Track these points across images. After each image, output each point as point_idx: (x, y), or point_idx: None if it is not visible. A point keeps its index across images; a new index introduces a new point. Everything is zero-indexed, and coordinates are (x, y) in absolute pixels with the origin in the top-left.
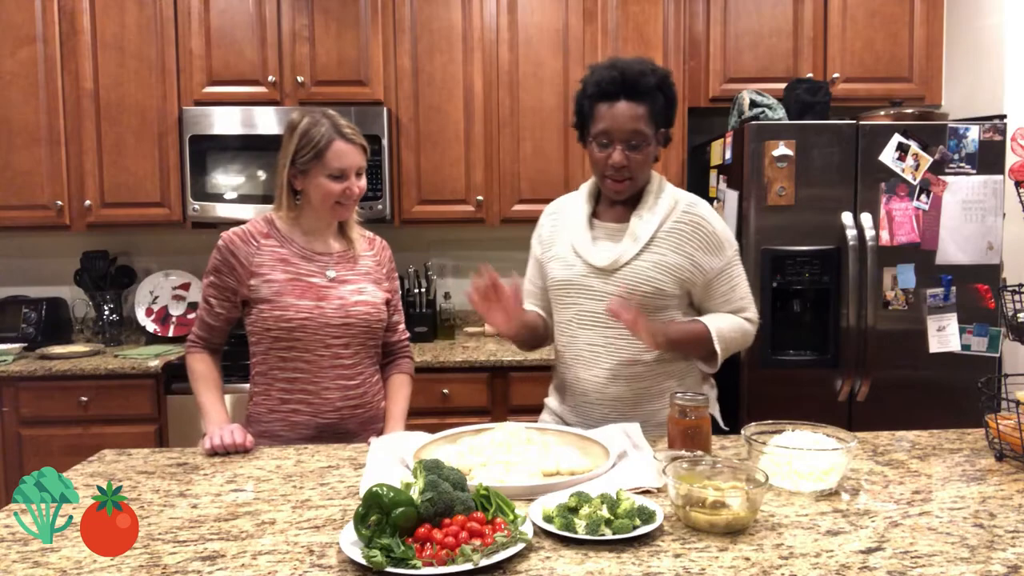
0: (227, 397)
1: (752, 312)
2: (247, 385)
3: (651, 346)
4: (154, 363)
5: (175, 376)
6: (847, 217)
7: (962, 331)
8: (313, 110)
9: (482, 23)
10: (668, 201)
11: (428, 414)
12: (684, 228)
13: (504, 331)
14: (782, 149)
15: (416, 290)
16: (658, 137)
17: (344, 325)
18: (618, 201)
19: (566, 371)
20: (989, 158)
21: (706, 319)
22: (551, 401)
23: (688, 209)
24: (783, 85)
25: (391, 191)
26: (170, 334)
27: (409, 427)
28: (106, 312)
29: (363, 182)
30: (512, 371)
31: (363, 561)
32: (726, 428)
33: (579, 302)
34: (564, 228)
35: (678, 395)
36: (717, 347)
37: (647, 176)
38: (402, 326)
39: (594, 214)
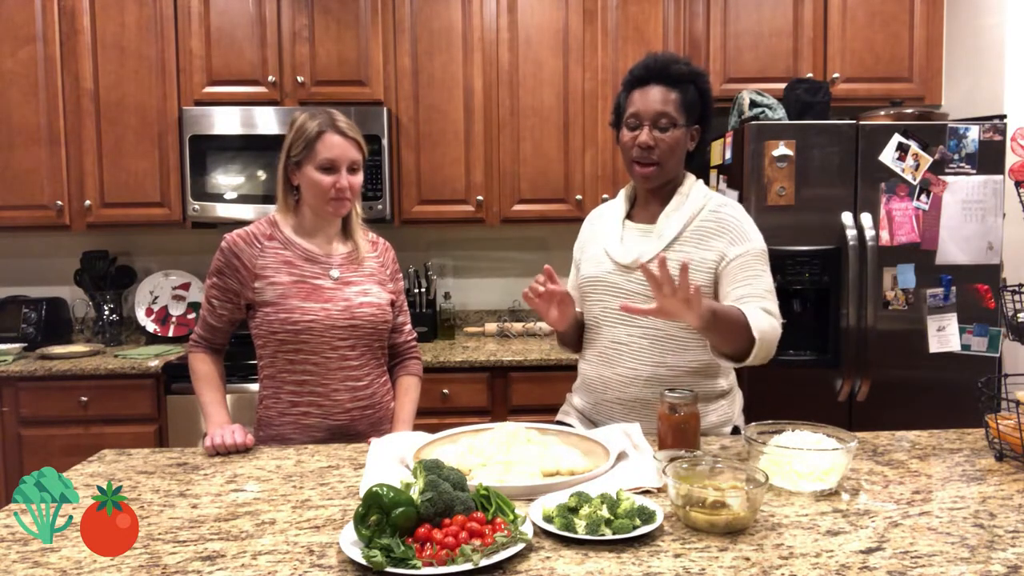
0: (228, 397)
1: (773, 306)
2: (249, 385)
3: (694, 321)
4: (154, 363)
5: (175, 376)
6: (847, 217)
7: (962, 331)
8: (316, 109)
9: (482, 23)
10: (697, 201)
11: (428, 414)
12: (710, 226)
13: (558, 327)
14: (782, 149)
15: (416, 290)
16: (690, 132)
17: (350, 327)
18: (653, 201)
19: (589, 369)
20: (989, 158)
21: (739, 305)
22: (574, 398)
23: (717, 209)
24: (783, 85)
25: (391, 191)
26: (170, 334)
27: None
28: (106, 312)
29: (357, 179)
30: (512, 371)
31: (363, 561)
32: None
33: (604, 299)
34: (600, 229)
35: (667, 393)
36: (755, 333)
37: (676, 167)
38: (408, 327)
39: (630, 216)
